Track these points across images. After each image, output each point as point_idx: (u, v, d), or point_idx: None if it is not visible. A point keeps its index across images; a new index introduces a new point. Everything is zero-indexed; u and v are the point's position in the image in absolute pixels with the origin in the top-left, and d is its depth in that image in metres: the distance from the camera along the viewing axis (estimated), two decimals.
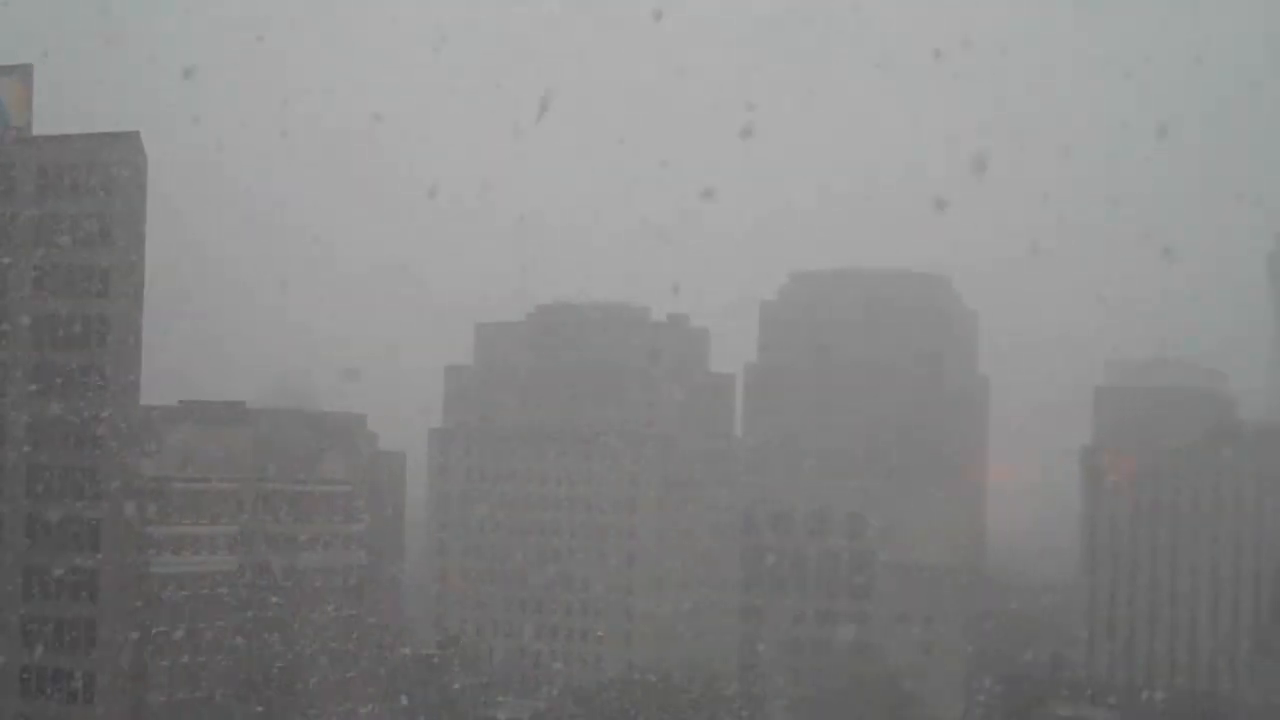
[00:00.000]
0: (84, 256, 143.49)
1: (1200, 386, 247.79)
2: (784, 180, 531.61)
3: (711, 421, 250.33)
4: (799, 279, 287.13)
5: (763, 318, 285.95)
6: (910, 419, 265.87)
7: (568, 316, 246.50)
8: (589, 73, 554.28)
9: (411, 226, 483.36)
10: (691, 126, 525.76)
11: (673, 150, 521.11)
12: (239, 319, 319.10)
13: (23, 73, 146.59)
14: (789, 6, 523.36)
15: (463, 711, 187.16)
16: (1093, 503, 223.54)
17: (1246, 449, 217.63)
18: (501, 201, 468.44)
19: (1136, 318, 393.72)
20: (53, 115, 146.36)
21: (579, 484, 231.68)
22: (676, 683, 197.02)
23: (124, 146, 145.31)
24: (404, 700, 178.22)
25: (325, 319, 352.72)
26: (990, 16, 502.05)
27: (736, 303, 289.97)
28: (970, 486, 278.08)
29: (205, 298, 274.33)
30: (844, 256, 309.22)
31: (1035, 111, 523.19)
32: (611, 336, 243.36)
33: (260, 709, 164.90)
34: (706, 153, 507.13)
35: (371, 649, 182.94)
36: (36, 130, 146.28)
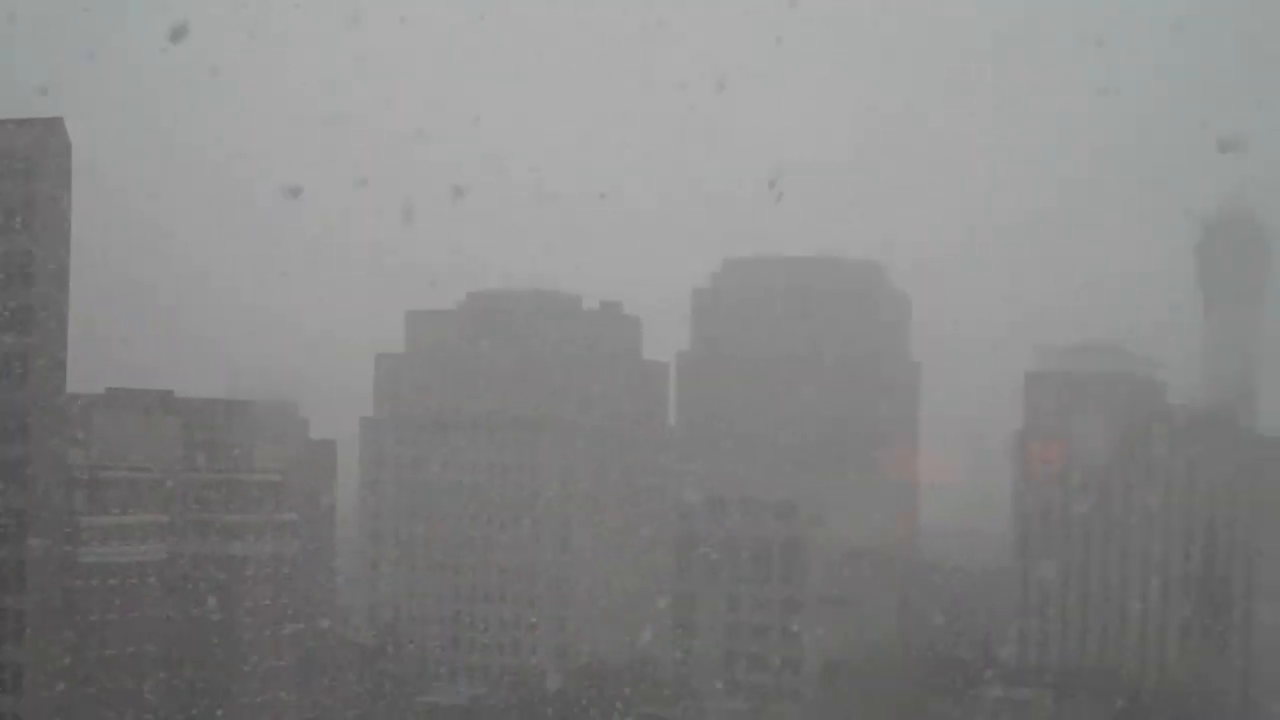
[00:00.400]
0: (6, 243, 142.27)
1: (1131, 372, 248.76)
2: (719, 165, 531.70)
3: (644, 409, 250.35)
4: (732, 265, 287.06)
5: (695, 305, 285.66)
6: (842, 406, 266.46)
7: (499, 304, 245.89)
8: (528, 54, 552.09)
9: (332, 206, 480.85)
10: (626, 110, 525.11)
11: (607, 134, 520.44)
12: (168, 306, 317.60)
13: None
14: None
15: (397, 698, 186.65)
16: (1024, 488, 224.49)
17: (1176, 434, 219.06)
18: (431, 184, 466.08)
19: (1068, 304, 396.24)
20: None
21: (512, 472, 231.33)
22: (612, 668, 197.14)
23: (47, 132, 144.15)
24: (339, 687, 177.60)
25: (254, 306, 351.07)
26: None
27: (670, 289, 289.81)
28: (902, 472, 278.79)
29: (136, 284, 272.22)
30: (779, 242, 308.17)
31: (972, 97, 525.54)
32: (544, 324, 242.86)
33: (192, 698, 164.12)
34: (642, 137, 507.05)
35: (305, 637, 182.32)
36: None
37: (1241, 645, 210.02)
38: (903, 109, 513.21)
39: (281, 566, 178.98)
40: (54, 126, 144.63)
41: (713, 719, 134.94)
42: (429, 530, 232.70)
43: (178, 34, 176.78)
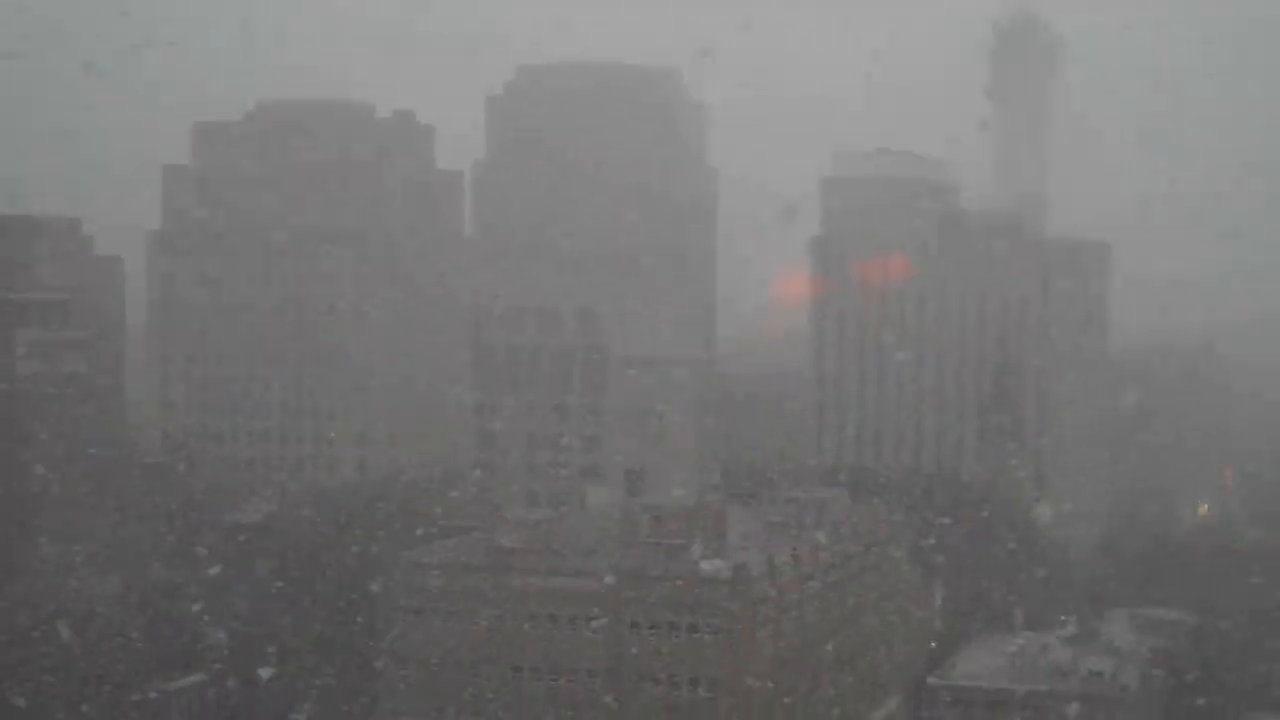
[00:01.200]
0: None
1: (925, 177, 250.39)
2: None
3: (440, 220, 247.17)
4: (525, 73, 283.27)
5: (489, 113, 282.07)
6: (640, 213, 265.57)
7: (289, 114, 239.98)
8: None
9: (120, 20, 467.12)
10: None
11: None
12: None
13: None
14: None
15: (193, 518, 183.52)
16: (821, 292, 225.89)
17: (969, 237, 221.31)
18: None
19: (839, 107, 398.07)
20: None
21: (305, 286, 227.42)
22: (410, 481, 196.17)
23: None
24: (131, 508, 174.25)
25: (35, 118, 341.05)
26: None
27: (463, 97, 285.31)
28: (701, 279, 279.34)
29: None
30: (574, 51, 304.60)
31: None
32: (335, 135, 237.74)
33: None
34: None
35: (95, 458, 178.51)
36: None
37: (1033, 445, 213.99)
38: None
39: (69, 387, 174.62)
40: None
41: (517, 527, 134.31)
42: (221, 347, 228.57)
43: None
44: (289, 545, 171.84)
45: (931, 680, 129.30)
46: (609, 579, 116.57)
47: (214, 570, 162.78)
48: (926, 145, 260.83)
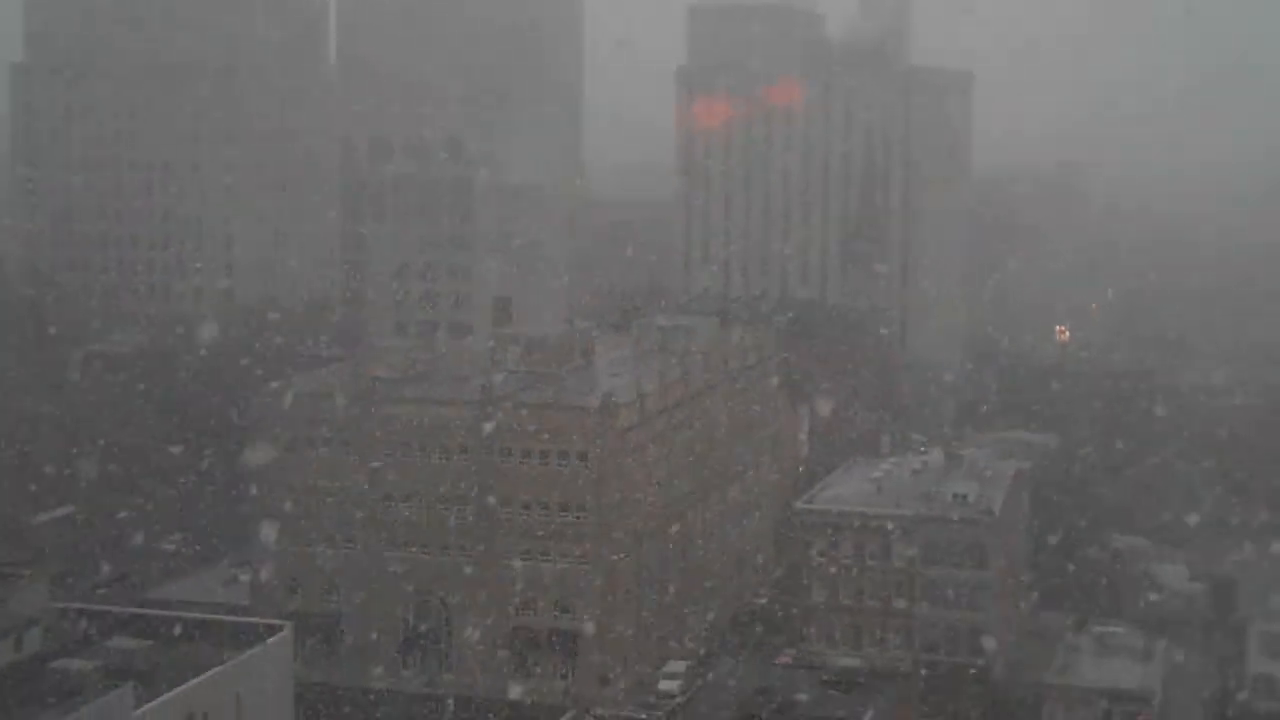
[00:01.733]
0: None
1: (790, 6, 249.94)
2: None
3: (306, 51, 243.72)
4: None
5: None
6: (506, 41, 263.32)
7: None
8: None
9: None
10: None
11: None
12: None
13: None
14: None
15: (60, 349, 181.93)
16: (687, 120, 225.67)
17: (834, 65, 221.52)
18: None
19: None
20: None
21: (171, 117, 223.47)
22: (279, 311, 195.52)
23: None
24: None
25: None
26: None
27: None
28: (569, 109, 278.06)
29: None
30: None
31: None
32: None
33: None
34: None
35: None
36: None
37: (898, 271, 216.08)
38: None
39: None
40: None
41: (385, 357, 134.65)
42: (87, 179, 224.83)
43: None
44: (156, 375, 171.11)
45: (799, 504, 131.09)
46: (476, 407, 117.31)
47: (82, 401, 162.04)
48: None
